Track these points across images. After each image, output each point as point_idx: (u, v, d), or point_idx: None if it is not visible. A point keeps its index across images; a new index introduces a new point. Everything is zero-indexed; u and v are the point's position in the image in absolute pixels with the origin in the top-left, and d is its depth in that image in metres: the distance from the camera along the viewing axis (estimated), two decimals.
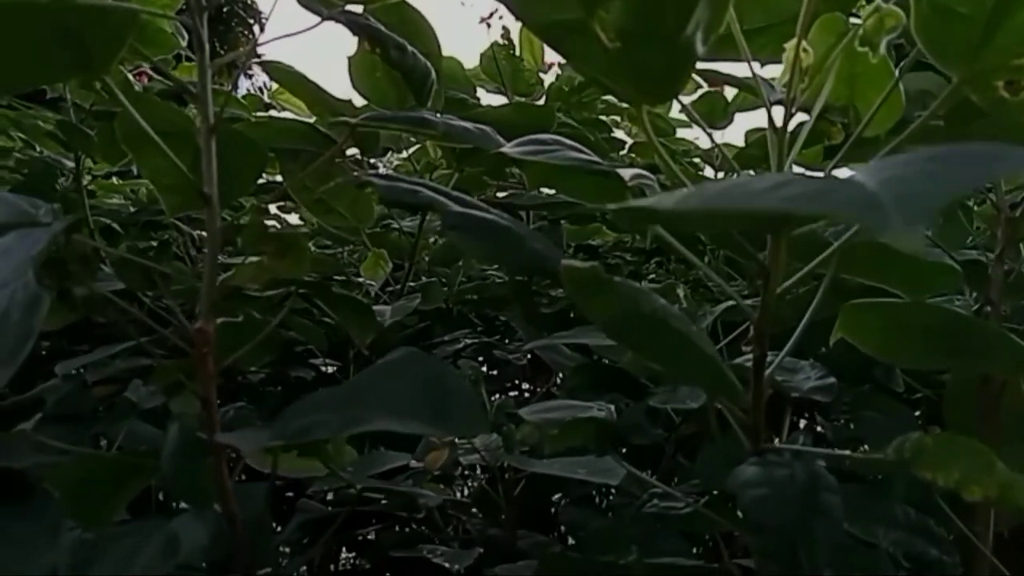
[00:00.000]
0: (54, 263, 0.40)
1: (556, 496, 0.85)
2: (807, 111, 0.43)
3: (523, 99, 0.98)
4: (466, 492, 0.91)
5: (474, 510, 0.82)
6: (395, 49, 0.51)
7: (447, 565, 0.59)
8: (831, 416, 0.58)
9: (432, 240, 1.13)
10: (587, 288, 0.32)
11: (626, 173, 0.46)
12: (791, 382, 0.44)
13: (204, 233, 0.55)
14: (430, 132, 0.48)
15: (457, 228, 0.37)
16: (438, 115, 0.51)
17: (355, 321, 0.54)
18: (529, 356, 1.03)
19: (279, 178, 0.90)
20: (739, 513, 0.39)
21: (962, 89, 0.39)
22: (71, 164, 0.96)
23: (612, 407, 0.52)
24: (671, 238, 0.41)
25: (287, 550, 0.66)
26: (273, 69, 0.82)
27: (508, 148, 0.45)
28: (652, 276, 1.30)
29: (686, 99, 1.22)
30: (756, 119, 1.23)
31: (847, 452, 0.40)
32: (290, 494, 0.80)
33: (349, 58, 0.81)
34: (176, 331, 0.41)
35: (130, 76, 1.17)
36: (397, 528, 0.72)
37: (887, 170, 0.16)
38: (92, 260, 0.45)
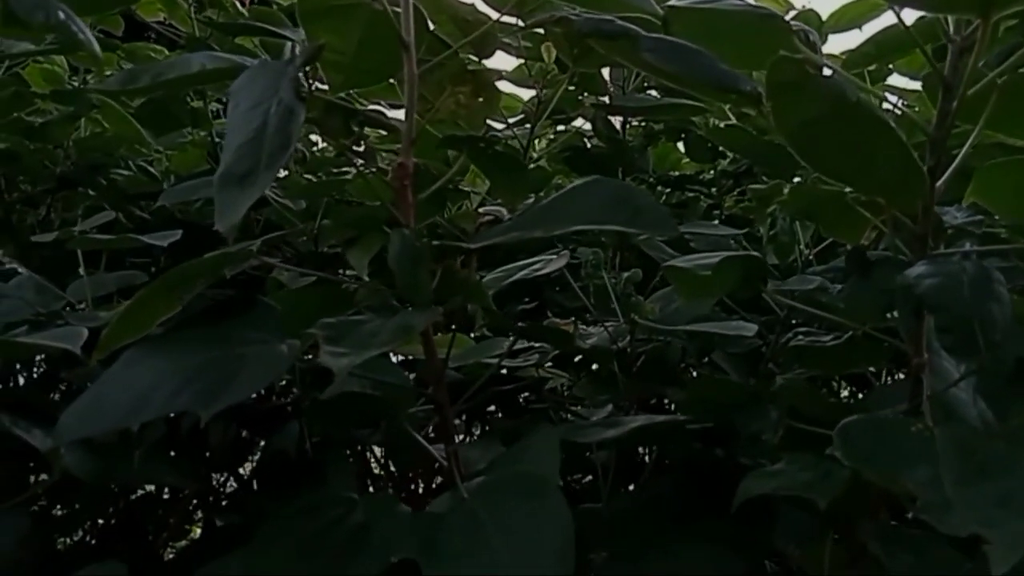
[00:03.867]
0: None
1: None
2: None
3: None
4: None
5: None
6: None
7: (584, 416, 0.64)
8: None
9: None
10: (791, 85, 0.36)
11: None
12: (943, 216, 0.47)
13: None
14: None
15: (654, 50, 0.41)
16: None
17: (507, 182, 0.58)
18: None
19: None
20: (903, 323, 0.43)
21: None
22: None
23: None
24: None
25: None
26: None
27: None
28: (730, 206, 1.33)
29: None
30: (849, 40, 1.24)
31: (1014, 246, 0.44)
32: None
33: None
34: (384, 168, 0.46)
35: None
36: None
37: None
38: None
